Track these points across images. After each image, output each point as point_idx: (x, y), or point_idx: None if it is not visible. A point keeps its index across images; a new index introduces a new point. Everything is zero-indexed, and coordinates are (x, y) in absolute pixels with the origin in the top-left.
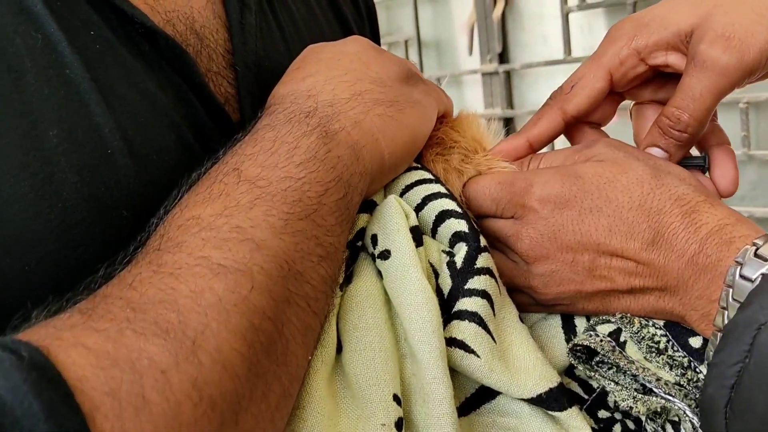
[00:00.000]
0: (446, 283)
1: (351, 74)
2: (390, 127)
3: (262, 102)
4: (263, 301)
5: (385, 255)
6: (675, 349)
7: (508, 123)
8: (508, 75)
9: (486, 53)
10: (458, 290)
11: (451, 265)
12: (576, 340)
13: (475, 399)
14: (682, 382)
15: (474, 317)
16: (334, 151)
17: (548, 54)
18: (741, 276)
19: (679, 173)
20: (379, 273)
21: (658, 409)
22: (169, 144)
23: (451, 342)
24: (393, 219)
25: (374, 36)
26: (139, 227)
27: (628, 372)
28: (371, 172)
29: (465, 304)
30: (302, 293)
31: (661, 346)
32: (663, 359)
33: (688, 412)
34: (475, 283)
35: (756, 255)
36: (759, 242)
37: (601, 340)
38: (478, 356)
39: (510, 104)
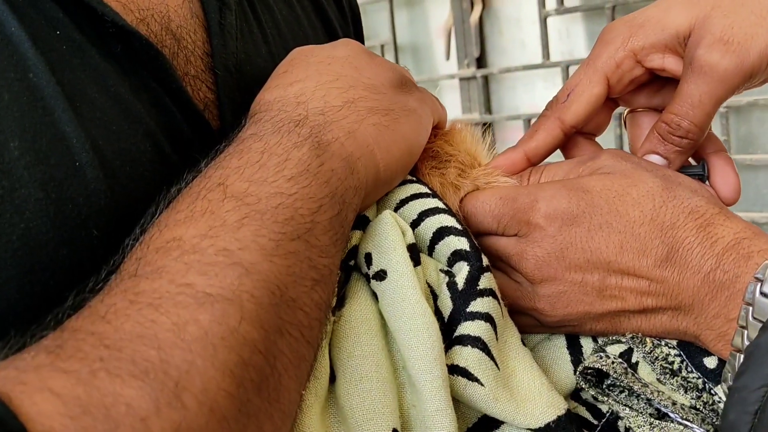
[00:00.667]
0: (446, 306)
1: (342, 80)
2: (385, 138)
3: (244, 108)
4: (254, 332)
5: (381, 276)
6: (689, 370)
7: (487, 128)
8: (485, 80)
9: (463, 58)
10: (460, 313)
11: (451, 285)
12: (586, 363)
13: (477, 429)
14: (697, 406)
15: (477, 342)
16: (328, 164)
17: (526, 58)
18: (762, 293)
19: (690, 184)
20: (374, 295)
21: None
22: (145, 154)
23: (453, 369)
24: (388, 236)
25: (359, 38)
26: (112, 249)
27: (641, 396)
28: (366, 186)
29: (467, 328)
30: (295, 322)
31: (675, 366)
32: (677, 381)
33: None
34: (478, 305)
35: None
36: None
37: (613, 362)
38: (482, 384)
39: (488, 109)
